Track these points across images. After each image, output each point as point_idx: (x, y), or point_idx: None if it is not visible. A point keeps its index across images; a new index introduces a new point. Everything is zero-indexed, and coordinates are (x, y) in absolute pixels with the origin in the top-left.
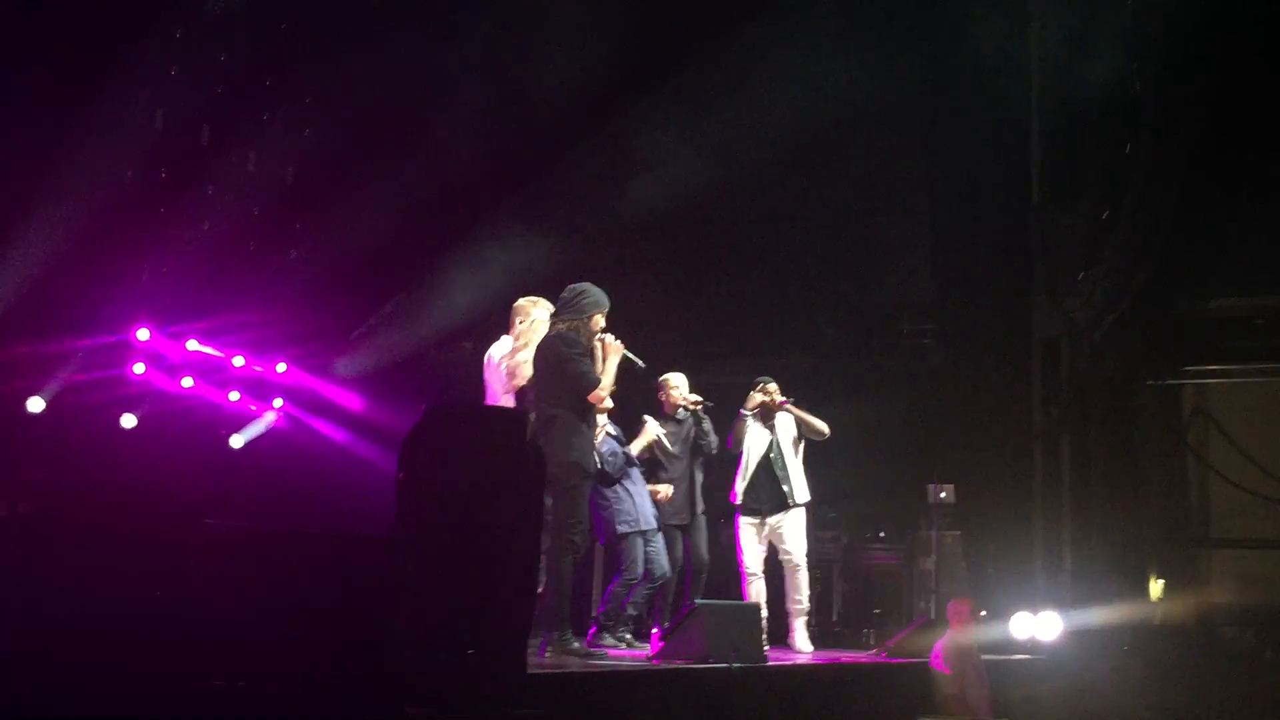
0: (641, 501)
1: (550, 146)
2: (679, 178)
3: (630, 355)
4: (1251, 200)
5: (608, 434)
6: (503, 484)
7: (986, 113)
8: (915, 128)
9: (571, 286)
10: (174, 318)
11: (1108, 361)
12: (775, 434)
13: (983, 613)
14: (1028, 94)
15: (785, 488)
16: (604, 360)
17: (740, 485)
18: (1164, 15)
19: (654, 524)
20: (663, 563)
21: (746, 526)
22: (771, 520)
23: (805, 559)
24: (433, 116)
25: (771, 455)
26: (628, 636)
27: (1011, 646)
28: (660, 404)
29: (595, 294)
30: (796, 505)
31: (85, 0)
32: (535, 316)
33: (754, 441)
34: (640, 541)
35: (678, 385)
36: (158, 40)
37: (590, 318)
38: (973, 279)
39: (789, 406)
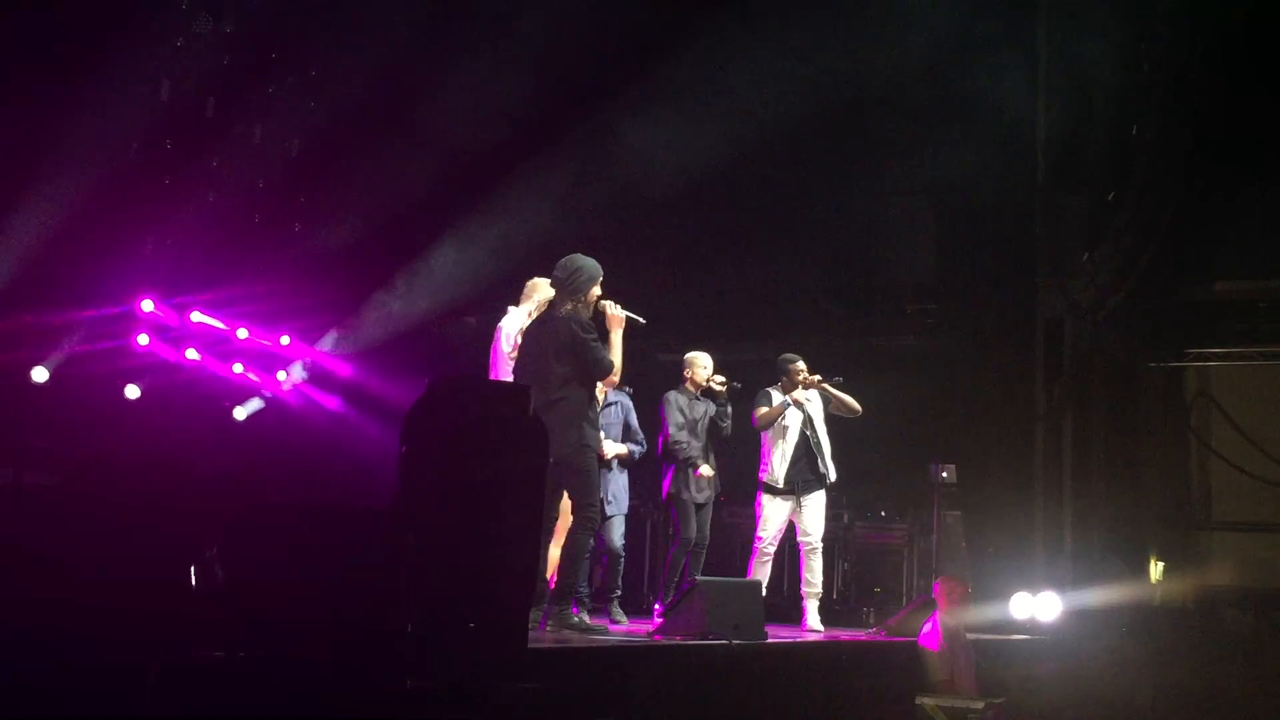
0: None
1: (558, 121)
2: (684, 158)
3: (631, 315)
4: (1256, 183)
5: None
6: (505, 458)
7: (993, 93)
8: (921, 108)
9: (562, 265)
10: (178, 289)
11: (1111, 343)
12: (808, 412)
13: (963, 591)
14: (1034, 74)
15: (823, 467)
16: (609, 332)
17: (780, 467)
18: None
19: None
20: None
21: (778, 505)
22: (803, 499)
23: (821, 543)
24: (438, 90)
25: (808, 434)
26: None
27: (1011, 627)
28: (683, 381)
29: (589, 267)
30: (830, 483)
31: None
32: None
33: (789, 421)
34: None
35: (705, 365)
36: (164, 12)
37: (588, 292)
38: (977, 260)
39: (825, 386)
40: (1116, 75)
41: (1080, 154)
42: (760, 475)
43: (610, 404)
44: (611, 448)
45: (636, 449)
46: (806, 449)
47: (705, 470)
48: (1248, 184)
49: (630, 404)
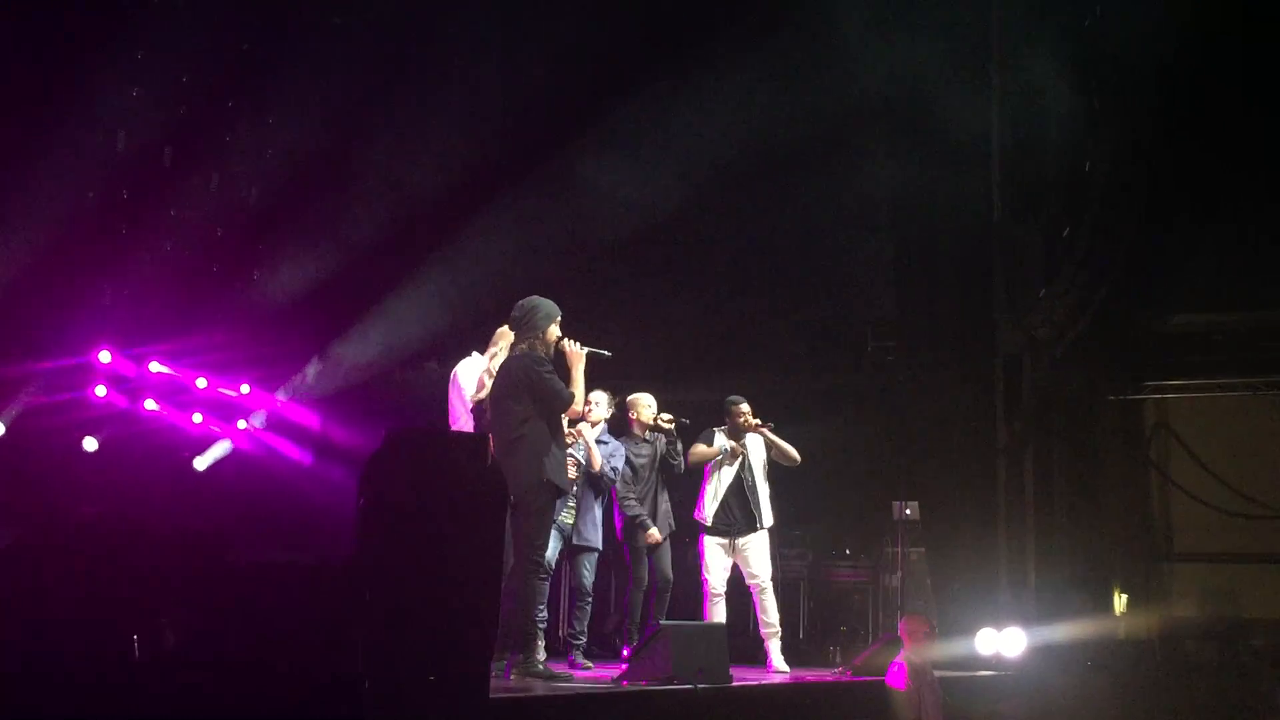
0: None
1: (513, 166)
2: (640, 198)
3: (594, 349)
4: (1211, 216)
5: (599, 442)
6: (464, 508)
7: (948, 131)
8: (878, 145)
9: (520, 304)
10: (136, 339)
11: (1069, 377)
12: (747, 455)
13: (928, 629)
14: (988, 111)
15: (755, 511)
16: (570, 369)
17: (710, 506)
18: (1122, 34)
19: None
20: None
21: (714, 546)
22: (739, 542)
23: (771, 581)
24: (394, 138)
25: (744, 476)
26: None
27: (976, 663)
28: (629, 423)
29: (546, 306)
30: (764, 528)
31: (45, 21)
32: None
33: (724, 462)
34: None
35: (649, 405)
36: (120, 62)
37: (546, 331)
38: (935, 296)
39: (764, 431)
40: (1069, 111)
41: (1036, 189)
42: (695, 513)
43: (603, 442)
44: (597, 456)
45: (608, 478)
46: (740, 491)
47: (654, 534)
48: (1202, 217)
49: (622, 450)
